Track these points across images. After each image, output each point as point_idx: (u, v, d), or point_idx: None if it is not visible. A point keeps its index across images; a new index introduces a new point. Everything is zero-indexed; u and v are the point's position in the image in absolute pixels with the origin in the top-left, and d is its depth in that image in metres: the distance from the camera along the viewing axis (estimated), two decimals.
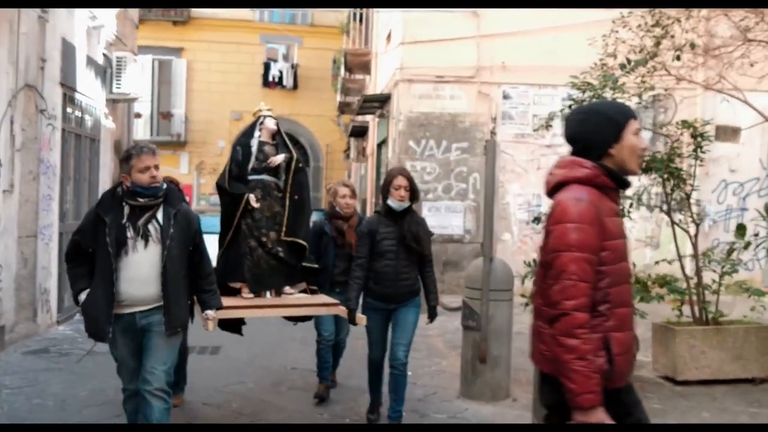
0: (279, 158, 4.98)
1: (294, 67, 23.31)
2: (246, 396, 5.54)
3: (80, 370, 5.99)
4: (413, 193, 4.62)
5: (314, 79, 22.86)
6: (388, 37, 12.35)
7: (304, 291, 5.18)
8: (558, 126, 6.21)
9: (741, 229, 6.33)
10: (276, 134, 5.09)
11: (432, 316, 4.80)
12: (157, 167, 3.68)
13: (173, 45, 21.97)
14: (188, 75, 22.58)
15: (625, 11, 5.84)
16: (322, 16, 22.84)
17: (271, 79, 23.14)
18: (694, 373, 5.66)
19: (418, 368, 6.19)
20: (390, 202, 4.58)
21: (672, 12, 5.50)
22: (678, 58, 5.57)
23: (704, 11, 5.57)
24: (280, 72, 23.15)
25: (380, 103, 12.46)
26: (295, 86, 23.08)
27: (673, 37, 5.48)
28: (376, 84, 14.23)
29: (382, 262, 4.56)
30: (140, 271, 3.65)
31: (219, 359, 6.61)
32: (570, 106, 5.51)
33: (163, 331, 3.68)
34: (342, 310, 4.71)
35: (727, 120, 8.12)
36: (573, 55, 9.91)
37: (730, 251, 6.05)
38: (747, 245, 6.18)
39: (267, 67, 23.21)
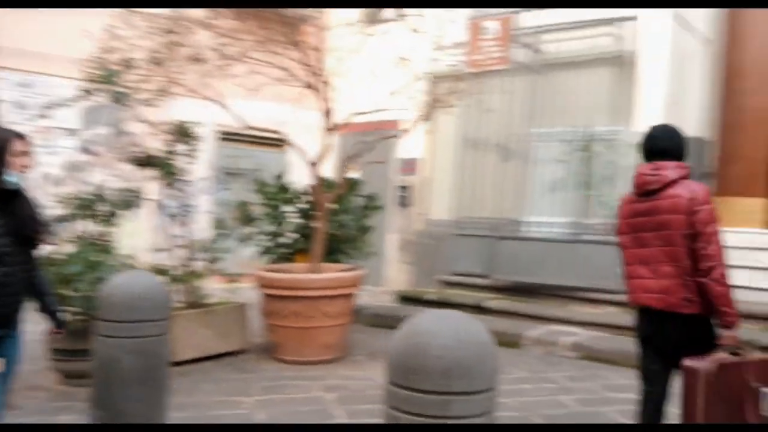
0: None
1: None
2: None
3: None
4: None
5: None
6: None
7: None
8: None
9: (219, 224, 7.22)
10: None
11: (61, 322, 3.70)
12: None
13: None
14: None
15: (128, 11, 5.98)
16: None
17: None
18: (188, 353, 6.21)
19: None
20: (9, 176, 3.21)
21: (188, 22, 5.92)
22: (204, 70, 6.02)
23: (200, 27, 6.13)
24: None
25: None
26: None
27: (184, 45, 5.91)
28: None
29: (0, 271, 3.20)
30: None
31: None
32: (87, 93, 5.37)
33: None
34: None
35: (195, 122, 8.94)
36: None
37: (212, 242, 6.84)
38: (225, 237, 7.10)
39: None
